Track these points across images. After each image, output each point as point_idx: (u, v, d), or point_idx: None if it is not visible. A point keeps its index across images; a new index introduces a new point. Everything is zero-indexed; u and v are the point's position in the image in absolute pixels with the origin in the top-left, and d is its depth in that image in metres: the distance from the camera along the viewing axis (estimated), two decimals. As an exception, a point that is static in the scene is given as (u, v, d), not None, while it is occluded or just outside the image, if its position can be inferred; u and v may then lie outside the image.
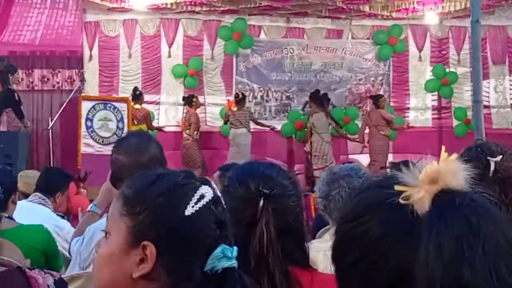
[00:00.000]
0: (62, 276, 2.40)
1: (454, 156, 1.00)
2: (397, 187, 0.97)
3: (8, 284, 2.05)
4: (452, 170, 0.96)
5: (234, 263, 1.38)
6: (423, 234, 0.93)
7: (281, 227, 1.91)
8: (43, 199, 4.96)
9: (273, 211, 1.90)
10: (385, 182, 1.03)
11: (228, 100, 13.76)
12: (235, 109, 12.98)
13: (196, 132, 12.76)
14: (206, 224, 1.39)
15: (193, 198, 1.40)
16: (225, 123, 13.07)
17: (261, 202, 1.90)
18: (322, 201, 2.90)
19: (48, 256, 3.88)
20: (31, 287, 2.11)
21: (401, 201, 0.96)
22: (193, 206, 1.39)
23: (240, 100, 12.96)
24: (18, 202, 4.07)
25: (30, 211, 4.56)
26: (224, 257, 1.37)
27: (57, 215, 5.06)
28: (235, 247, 1.40)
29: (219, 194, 1.46)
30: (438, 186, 0.95)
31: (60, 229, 4.70)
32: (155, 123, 13.18)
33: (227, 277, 1.36)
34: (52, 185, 5.14)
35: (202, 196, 1.41)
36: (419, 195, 0.95)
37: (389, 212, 0.99)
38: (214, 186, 1.47)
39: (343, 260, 1.05)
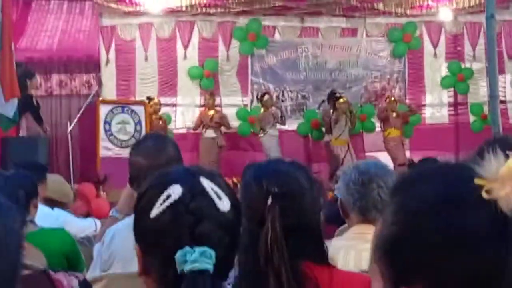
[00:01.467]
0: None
1: None
2: (477, 181, 0.89)
3: (33, 287, 2.10)
4: None
5: (199, 265, 1.32)
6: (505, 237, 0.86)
7: (292, 225, 1.94)
8: None
9: (284, 209, 1.93)
10: (460, 173, 0.93)
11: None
12: (261, 111, 13.11)
13: (204, 130, 12.88)
14: (170, 225, 1.37)
15: (159, 199, 1.39)
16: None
17: (269, 201, 1.94)
18: (356, 202, 2.84)
19: (70, 259, 3.93)
20: (56, 290, 2.17)
21: (484, 195, 0.88)
22: (158, 208, 1.38)
23: (263, 100, 13.12)
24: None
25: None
26: (187, 260, 1.33)
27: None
28: (203, 249, 1.33)
29: (199, 191, 1.40)
30: None
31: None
32: (172, 126, 13.28)
33: (189, 281, 1.32)
34: None
35: (168, 197, 1.39)
36: (505, 191, 0.87)
37: (472, 209, 0.89)
38: (197, 182, 1.42)
39: (402, 260, 0.93)
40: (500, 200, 0.87)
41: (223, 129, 13.17)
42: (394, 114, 13.38)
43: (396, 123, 13.30)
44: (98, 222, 5.30)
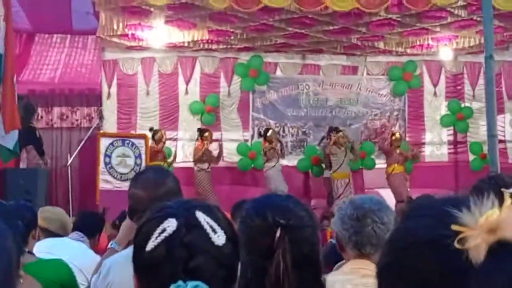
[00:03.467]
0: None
1: None
2: (454, 227, 0.92)
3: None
4: None
5: None
6: (471, 285, 0.88)
7: (297, 258, 1.95)
8: (82, 237, 5.26)
9: (291, 241, 1.94)
10: (440, 216, 0.97)
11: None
12: (266, 145, 13.18)
13: (206, 165, 12.85)
14: (164, 258, 1.38)
15: (154, 233, 1.40)
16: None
17: (278, 232, 1.93)
18: (351, 236, 2.86)
19: (67, 289, 3.93)
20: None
21: (457, 245, 0.90)
22: (153, 241, 1.39)
23: (266, 136, 13.19)
24: (58, 238, 4.22)
25: (68, 247, 4.77)
26: None
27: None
28: (196, 283, 1.33)
29: (194, 224, 1.42)
30: (496, 237, 0.89)
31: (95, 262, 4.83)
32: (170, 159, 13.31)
33: None
34: (91, 227, 5.51)
35: (163, 230, 1.40)
36: (475, 242, 0.89)
37: (442, 253, 0.93)
38: (192, 215, 1.43)
39: (391, 285, 1.01)
40: (471, 250, 0.90)
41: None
42: (398, 151, 13.44)
43: (400, 159, 13.36)
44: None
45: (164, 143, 12.89)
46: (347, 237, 2.86)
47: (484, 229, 0.90)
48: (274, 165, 13.07)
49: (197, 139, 13.33)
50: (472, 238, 0.90)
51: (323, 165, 13.66)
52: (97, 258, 4.98)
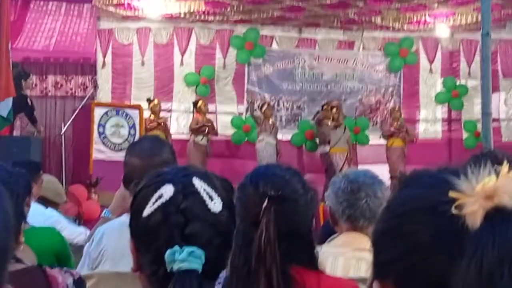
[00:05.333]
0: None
1: None
2: (451, 193, 0.93)
3: (27, 281, 2.10)
4: (509, 188, 0.91)
5: (187, 265, 1.34)
6: (468, 249, 0.89)
7: (285, 229, 1.96)
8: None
9: (279, 212, 1.95)
10: (438, 183, 0.98)
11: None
12: (263, 118, 13.11)
13: (201, 137, 12.78)
14: (160, 224, 1.39)
15: (151, 199, 1.41)
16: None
17: (265, 203, 1.95)
18: (344, 210, 2.88)
19: (60, 258, 3.93)
20: (50, 285, 2.17)
21: (454, 211, 0.92)
22: (150, 207, 1.41)
23: (263, 110, 13.17)
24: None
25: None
26: (175, 259, 1.35)
27: (67, 218, 5.16)
28: (192, 249, 1.35)
29: (191, 191, 1.42)
30: (492, 203, 0.91)
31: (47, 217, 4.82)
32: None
33: (177, 280, 1.33)
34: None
35: (160, 196, 1.41)
36: (472, 208, 0.91)
37: (440, 219, 0.94)
38: (189, 182, 1.44)
39: (382, 253, 1.03)
40: (467, 216, 0.91)
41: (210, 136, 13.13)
42: (397, 125, 13.42)
43: (398, 133, 13.34)
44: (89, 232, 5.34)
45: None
46: (340, 210, 2.89)
47: (481, 195, 0.91)
48: (263, 139, 12.96)
49: (193, 112, 13.27)
50: (469, 204, 0.91)
51: (317, 140, 13.64)
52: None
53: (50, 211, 5.03)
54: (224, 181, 1.52)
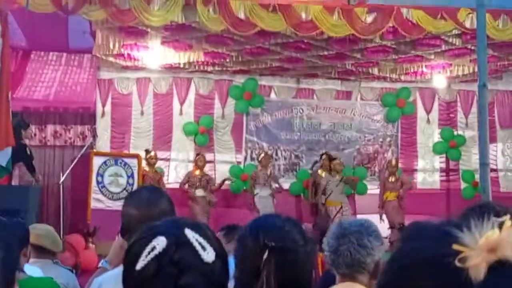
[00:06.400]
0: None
1: None
2: (455, 246, 0.93)
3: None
4: None
5: None
6: None
7: (286, 280, 1.96)
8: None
9: (279, 264, 1.95)
10: (442, 236, 0.98)
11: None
12: (260, 168, 13.10)
13: (195, 190, 12.74)
14: (154, 276, 1.38)
15: (144, 252, 1.40)
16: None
17: (266, 254, 1.96)
18: (330, 255, 2.89)
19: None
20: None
21: (457, 264, 0.91)
22: (143, 260, 1.39)
23: (262, 160, 13.15)
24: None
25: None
26: None
27: (66, 268, 5.12)
28: None
29: (184, 242, 1.42)
30: (496, 256, 0.91)
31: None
32: (164, 180, 13.23)
33: None
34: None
35: (153, 249, 1.40)
36: (475, 261, 0.91)
37: (443, 272, 0.94)
38: (181, 233, 1.44)
39: None
40: (471, 269, 0.91)
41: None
42: (393, 179, 13.39)
43: (394, 187, 13.29)
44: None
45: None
46: (328, 256, 2.90)
47: (484, 249, 0.91)
48: (257, 193, 12.91)
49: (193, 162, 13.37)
50: (472, 257, 0.91)
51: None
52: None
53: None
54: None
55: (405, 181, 13.47)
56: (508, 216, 0.96)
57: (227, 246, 2.11)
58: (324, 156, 13.36)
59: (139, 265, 1.40)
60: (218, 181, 13.63)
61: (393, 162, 13.70)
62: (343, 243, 2.84)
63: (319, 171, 13.34)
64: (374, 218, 13.10)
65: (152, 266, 1.39)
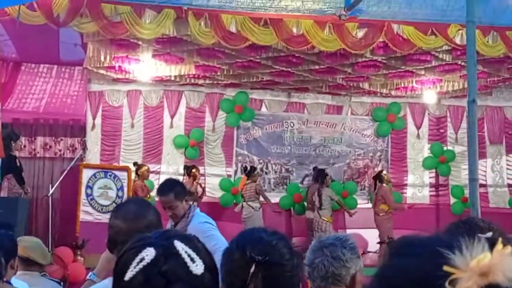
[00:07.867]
0: None
1: (509, 249, 0.93)
2: (446, 268, 0.92)
3: None
4: (504, 267, 0.91)
5: None
6: None
7: None
8: None
9: (266, 278, 1.96)
10: (432, 256, 0.97)
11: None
12: (248, 182, 13.08)
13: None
14: (142, 287, 1.37)
15: (133, 263, 1.40)
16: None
17: (253, 268, 1.96)
18: (307, 269, 2.91)
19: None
20: None
21: (448, 286, 0.91)
22: (132, 270, 1.39)
23: (249, 173, 13.10)
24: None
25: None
26: None
27: (54, 281, 5.10)
28: None
29: (172, 253, 1.41)
30: (487, 280, 0.90)
31: None
32: (154, 193, 13.16)
33: None
34: None
35: (141, 259, 1.39)
36: (466, 285, 0.90)
37: None
38: (171, 244, 1.43)
39: None
40: None
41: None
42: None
43: (386, 198, 13.24)
44: None
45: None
46: (306, 269, 2.91)
47: (476, 272, 0.90)
48: (243, 206, 12.91)
49: (184, 175, 13.26)
50: (463, 280, 0.90)
51: (305, 204, 13.60)
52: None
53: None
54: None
55: (395, 206, 13.34)
56: (491, 233, 0.95)
57: None
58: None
59: (127, 276, 1.39)
60: (208, 194, 13.61)
61: (386, 177, 13.66)
62: (318, 256, 2.85)
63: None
64: (365, 232, 13.20)
65: (141, 276, 1.38)
